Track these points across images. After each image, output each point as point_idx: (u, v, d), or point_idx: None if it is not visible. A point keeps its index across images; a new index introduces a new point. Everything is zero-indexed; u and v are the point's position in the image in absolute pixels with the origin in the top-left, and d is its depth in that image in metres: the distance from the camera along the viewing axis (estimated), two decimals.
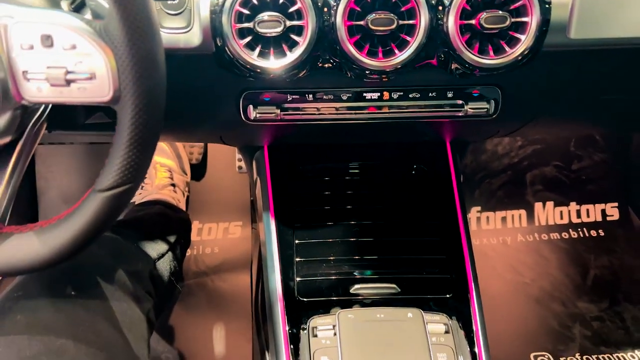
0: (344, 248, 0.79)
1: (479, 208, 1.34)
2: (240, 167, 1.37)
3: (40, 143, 1.34)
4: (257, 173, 0.88)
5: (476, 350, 0.70)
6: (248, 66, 0.62)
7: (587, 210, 1.35)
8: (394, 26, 0.60)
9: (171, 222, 1.00)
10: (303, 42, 0.60)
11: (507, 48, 0.62)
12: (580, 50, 0.65)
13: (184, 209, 1.21)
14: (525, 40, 0.61)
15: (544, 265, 1.28)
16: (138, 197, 1.13)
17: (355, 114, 0.71)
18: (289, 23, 0.60)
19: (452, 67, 0.65)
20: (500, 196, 1.35)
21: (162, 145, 1.23)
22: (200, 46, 0.61)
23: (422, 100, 0.71)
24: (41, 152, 1.33)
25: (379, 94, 0.71)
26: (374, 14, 0.59)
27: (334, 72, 0.66)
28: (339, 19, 0.60)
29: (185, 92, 0.69)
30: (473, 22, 0.61)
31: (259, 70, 0.62)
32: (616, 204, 1.36)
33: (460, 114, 0.71)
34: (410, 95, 0.71)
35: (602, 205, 1.35)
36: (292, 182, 0.85)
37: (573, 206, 1.36)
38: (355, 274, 0.76)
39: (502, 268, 1.28)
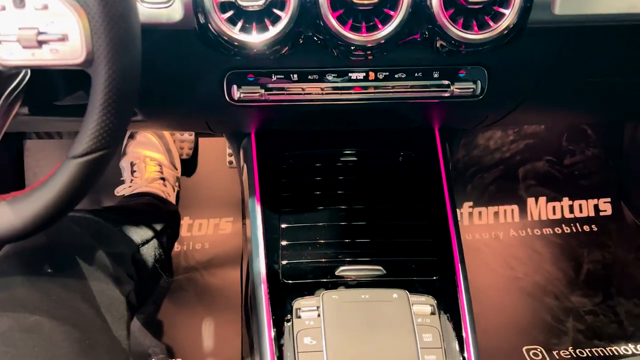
0: (331, 232, 0.78)
1: (471, 203, 1.34)
2: (230, 162, 1.36)
3: (28, 137, 1.33)
4: (244, 160, 0.87)
5: (463, 332, 0.69)
6: (229, 40, 0.61)
7: (580, 205, 1.34)
8: (377, 0, 0.59)
9: (159, 212, 0.98)
10: (285, 16, 0.60)
11: (491, 23, 0.62)
12: (566, 28, 0.64)
13: (174, 202, 1.20)
14: (510, 15, 0.61)
15: (537, 259, 1.27)
16: (127, 190, 1.12)
17: (341, 94, 0.71)
18: None
19: (438, 45, 0.65)
20: (492, 191, 1.35)
21: (151, 139, 1.22)
22: (182, 21, 0.61)
23: (408, 81, 0.71)
24: (30, 147, 1.32)
25: (364, 74, 0.70)
26: None
27: (319, 50, 0.65)
28: None
29: (169, 72, 0.69)
30: None
31: (240, 45, 0.61)
32: (609, 199, 1.35)
33: (446, 95, 0.71)
34: (396, 76, 0.70)
35: (595, 201, 1.35)
36: (279, 168, 0.84)
37: (566, 201, 1.35)
38: (341, 257, 0.75)
39: (495, 263, 1.27)
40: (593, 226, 1.32)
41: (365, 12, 0.62)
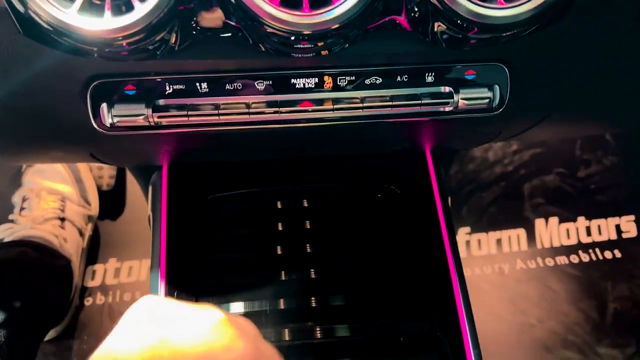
0: (277, 320, 0.52)
1: (467, 229, 1.08)
2: None
3: None
4: (152, 206, 0.60)
5: None
6: (62, 29, 0.34)
7: (599, 226, 1.10)
8: None
9: (28, 274, 0.70)
10: None
11: None
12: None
13: (75, 251, 0.89)
14: None
15: (552, 299, 1.02)
16: (6, 233, 0.83)
17: (279, 114, 0.44)
18: None
19: (436, 29, 0.39)
20: (493, 213, 1.10)
21: (56, 167, 0.93)
22: None
23: (385, 89, 0.45)
24: None
25: (316, 79, 0.44)
26: None
27: (236, 42, 0.39)
28: None
29: None
30: None
31: (81, 37, 0.34)
32: (632, 217, 1.11)
33: (447, 109, 0.45)
34: (367, 82, 0.45)
35: (616, 220, 1.11)
36: (198, 220, 0.57)
37: (581, 222, 1.10)
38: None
39: (500, 305, 1.02)
40: (616, 252, 1.08)
41: None
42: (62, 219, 0.86)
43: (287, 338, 0.51)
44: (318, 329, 0.52)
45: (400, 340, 0.53)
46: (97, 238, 1.03)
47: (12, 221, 0.86)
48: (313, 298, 0.53)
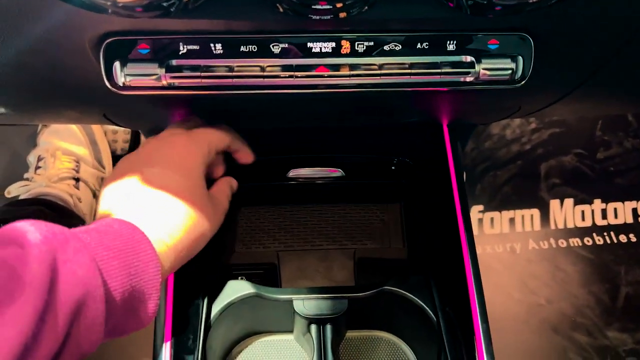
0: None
1: (481, 207, 1.07)
2: None
3: None
4: None
5: None
6: None
7: (615, 209, 1.09)
8: None
9: None
10: None
11: None
12: None
13: (89, 211, 0.90)
14: None
15: (563, 280, 1.02)
16: (22, 190, 0.84)
17: (294, 78, 0.43)
18: None
19: None
20: (507, 192, 1.08)
21: (71, 129, 0.93)
22: None
23: (404, 56, 0.43)
24: None
25: (333, 43, 0.43)
26: None
27: (252, 1, 0.38)
28: None
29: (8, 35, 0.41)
30: None
31: None
32: None
33: (468, 79, 0.44)
34: (387, 48, 0.43)
35: (633, 203, 1.09)
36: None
37: (597, 204, 1.09)
38: None
39: (510, 284, 1.01)
40: (631, 235, 1.06)
41: None
42: (77, 179, 0.87)
43: None
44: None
45: None
46: None
47: (27, 179, 0.87)
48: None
